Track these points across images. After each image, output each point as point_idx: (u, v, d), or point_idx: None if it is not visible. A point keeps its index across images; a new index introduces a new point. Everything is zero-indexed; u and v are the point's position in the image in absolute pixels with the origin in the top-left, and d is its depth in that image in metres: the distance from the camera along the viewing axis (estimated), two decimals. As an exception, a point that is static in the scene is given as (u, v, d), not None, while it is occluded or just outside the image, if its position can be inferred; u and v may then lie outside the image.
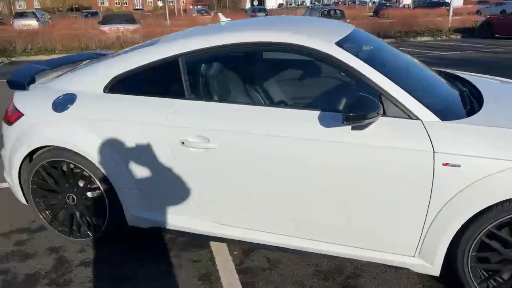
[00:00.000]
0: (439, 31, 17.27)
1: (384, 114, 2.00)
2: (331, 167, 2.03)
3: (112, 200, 2.51)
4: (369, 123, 1.94)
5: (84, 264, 2.53)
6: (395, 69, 2.27)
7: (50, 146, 2.52)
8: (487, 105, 2.15)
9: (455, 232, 1.96)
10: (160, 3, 59.27)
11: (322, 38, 2.18)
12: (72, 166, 2.52)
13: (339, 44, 2.17)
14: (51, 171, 2.59)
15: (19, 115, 2.60)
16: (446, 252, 2.02)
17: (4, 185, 3.52)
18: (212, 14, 37.17)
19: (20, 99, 2.64)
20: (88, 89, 2.50)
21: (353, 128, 1.99)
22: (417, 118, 1.97)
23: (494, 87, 2.74)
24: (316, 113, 2.08)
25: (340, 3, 68.11)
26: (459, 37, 17.14)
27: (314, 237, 2.23)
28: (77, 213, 2.65)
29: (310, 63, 2.29)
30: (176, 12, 39.58)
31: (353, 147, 1.99)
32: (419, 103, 2.00)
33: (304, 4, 67.46)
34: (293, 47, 2.16)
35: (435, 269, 2.08)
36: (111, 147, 2.39)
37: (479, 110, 2.10)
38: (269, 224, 2.28)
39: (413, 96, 2.01)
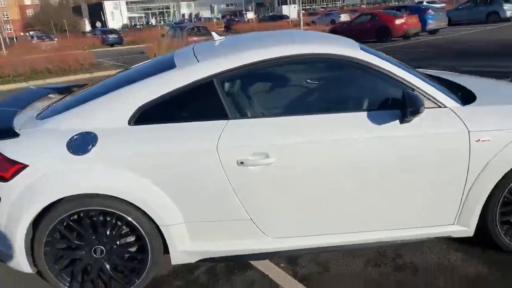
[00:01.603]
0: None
1: (421, 107, 2.29)
2: (390, 160, 2.25)
3: (155, 242, 2.28)
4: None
5: (133, 320, 2.24)
6: (405, 68, 2.60)
7: (72, 195, 2.16)
8: (479, 95, 2.59)
9: (486, 196, 2.36)
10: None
11: (352, 47, 2.40)
12: (103, 213, 2.21)
13: (364, 50, 2.41)
14: (73, 224, 2.23)
15: (20, 166, 2.16)
16: (480, 214, 2.41)
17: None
18: (56, 40, 34.15)
19: (16, 148, 2.20)
20: (108, 124, 2.24)
21: (401, 122, 2.24)
22: (445, 106, 2.32)
23: (486, 86, 3.10)
24: (363, 114, 2.27)
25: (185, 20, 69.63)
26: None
27: (373, 228, 2.40)
28: (108, 266, 2.33)
29: (340, 69, 2.46)
30: (1, 40, 34.70)
31: (405, 139, 2.24)
32: (442, 93, 2.36)
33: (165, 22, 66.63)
34: (332, 57, 2.32)
35: (470, 231, 2.46)
36: (154, 183, 2.19)
37: (474, 99, 2.53)
38: (331, 227, 2.38)
39: (435, 88, 2.37)
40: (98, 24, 62.55)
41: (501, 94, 2.81)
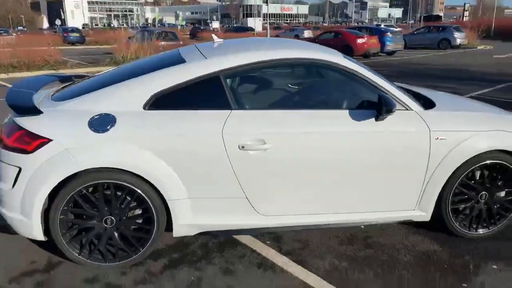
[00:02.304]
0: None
1: (391, 108, 2.74)
2: (365, 151, 2.67)
3: (161, 215, 2.57)
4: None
5: (137, 282, 2.50)
6: (380, 76, 3.06)
7: (91, 168, 2.41)
8: (437, 103, 3.09)
9: (442, 186, 2.85)
10: None
11: (338, 56, 2.83)
12: (117, 186, 2.47)
13: (347, 59, 2.85)
14: (89, 195, 2.47)
15: (43, 141, 2.39)
16: (436, 202, 2.89)
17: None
18: (14, 35, 32.84)
19: (40, 124, 2.42)
20: (125, 108, 2.51)
21: (376, 120, 2.68)
22: (412, 109, 2.79)
23: (441, 97, 3.51)
24: (345, 111, 2.69)
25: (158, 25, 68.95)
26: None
27: (349, 210, 2.81)
28: (116, 236, 2.58)
29: (328, 73, 2.88)
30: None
31: (377, 134, 2.68)
32: (409, 99, 2.84)
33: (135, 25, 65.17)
34: (324, 62, 2.74)
35: (428, 216, 2.93)
36: (165, 161, 2.48)
37: (434, 106, 3.02)
38: (312, 208, 2.76)
39: (404, 94, 2.84)
40: (58, 22, 60.65)
41: (454, 104, 3.35)
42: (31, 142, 2.40)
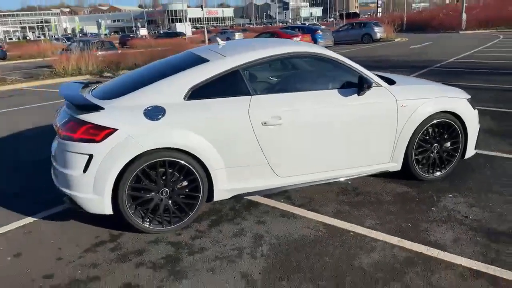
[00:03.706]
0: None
1: (367, 86, 3.63)
2: (351, 119, 3.52)
3: (205, 183, 3.21)
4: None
5: (193, 238, 3.13)
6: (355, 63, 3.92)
7: (150, 150, 3.00)
8: (397, 81, 4.04)
9: (407, 142, 3.78)
10: None
11: (325, 49, 3.65)
12: (170, 163, 3.08)
13: (331, 52, 3.69)
14: (149, 172, 3.05)
15: (110, 131, 2.94)
16: (404, 155, 3.82)
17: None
18: None
19: (105, 117, 2.96)
20: (170, 100, 3.13)
21: (358, 95, 3.54)
22: (381, 86, 3.70)
23: (397, 77, 4.61)
24: (335, 90, 3.53)
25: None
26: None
27: (344, 167, 3.65)
28: (170, 204, 3.18)
29: (321, 63, 3.67)
30: None
31: (360, 105, 3.54)
32: (379, 78, 3.74)
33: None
34: (318, 55, 3.57)
35: (399, 166, 3.86)
36: (206, 139, 3.14)
37: (394, 83, 3.96)
38: (316, 167, 3.56)
39: (374, 75, 3.74)
40: (-33, 37, 56.08)
41: (407, 81, 4.34)
42: (98, 133, 2.94)
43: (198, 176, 3.18)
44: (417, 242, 2.97)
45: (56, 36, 59.01)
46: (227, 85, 3.31)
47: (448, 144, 4.02)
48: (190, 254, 2.93)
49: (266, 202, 3.71)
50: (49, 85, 13.58)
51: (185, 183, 3.21)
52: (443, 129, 3.94)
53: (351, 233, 3.13)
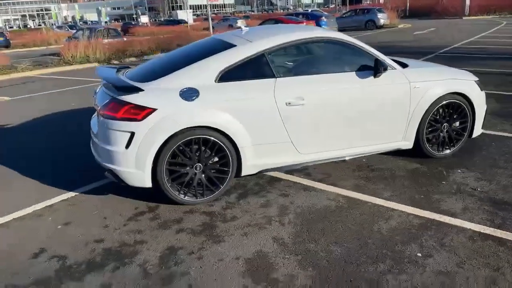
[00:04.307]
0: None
1: (382, 69, 3.89)
2: (369, 98, 3.79)
3: (234, 159, 3.50)
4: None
5: (224, 208, 3.43)
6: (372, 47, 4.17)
7: (186, 127, 3.27)
8: (410, 64, 4.30)
9: (419, 121, 4.05)
10: None
11: (342, 34, 3.91)
12: (203, 140, 3.35)
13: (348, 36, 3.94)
14: (184, 149, 3.34)
15: (150, 111, 3.21)
16: (415, 134, 4.10)
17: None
18: None
19: (145, 98, 3.24)
20: (202, 82, 3.39)
21: (375, 77, 3.80)
22: (395, 69, 3.96)
23: (409, 61, 4.86)
24: (353, 73, 3.79)
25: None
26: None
27: (360, 144, 3.93)
28: (203, 177, 3.47)
29: (340, 47, 3.92)
30: None
31: (376, 87, 3.81)
32: (393, 62, 4.00)
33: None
34: (336, 39, 3.83)
35: (411, 145, 4.14)
36: (236, 118, 3.41)
37: (407, 67, 4.22)
38: (335, 144, 3.84)
39: (389, 59, 4.00)
40: (-33, 26, 55.97)
41: (419, 64, 4.60)
42: (140, 113, 3.21)
43: (228, 152, 3.46)
44: (430, 210, 3.26)
45: (58, 24, 58.78)
46: (253, 68, 3.57)
47: (457, 123, 4.28)
48: (224, 222, 3.23)
49: (288, 178, 4.00)
50: (59, 72, 13.82)
51: (216, 159, 3.50)
52: (452, 110, 4.20)
53: (369, 204, 3.43)
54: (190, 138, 3.32)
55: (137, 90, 3.28)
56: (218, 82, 3.44)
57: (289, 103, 3.54)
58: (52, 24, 68.14)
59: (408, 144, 4.14)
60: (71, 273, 2.67)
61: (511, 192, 3.51)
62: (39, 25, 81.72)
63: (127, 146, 3.24)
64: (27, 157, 4.97)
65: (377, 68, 3.75)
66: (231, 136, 3.42)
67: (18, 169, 4.56)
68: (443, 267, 2.57)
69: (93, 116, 4.01)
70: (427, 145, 4.20)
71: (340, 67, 3.85)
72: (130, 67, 4.33)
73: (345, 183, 3.84)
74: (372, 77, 3.81)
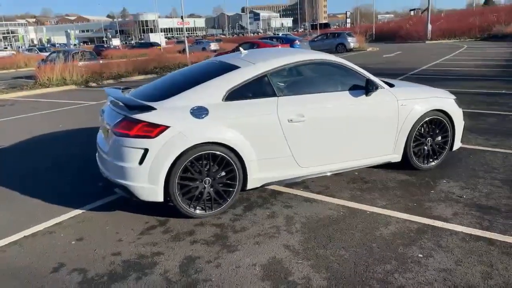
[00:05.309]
0: (185, 65, 20.68)
1: (372, 88, 4.22)
2: (361, 116, 4.11)
3: (240, 173, 3.69)
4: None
5: (233, 220, 3.60)
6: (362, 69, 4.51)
7: (197, 144, 3.46)
8: (395, 84, 4.67)
9: (406, 136, 4.40)
10: None
11: (335, 57, 4.24)
12: (212, 155, 3.54)
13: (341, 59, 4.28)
14: (195, 164, 3.51)
15: (163, 128, 3.38)
16: (404, 147, 4.43)
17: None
18: None
19: (157, 117, 3.41)
20: (211, 101, 3.61)
21: (366, 95, 4.13)
22: (383, 88, 4.31)
23: (393, 81, 5.26)
24: (347, 92, 4.11)
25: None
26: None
27: (354, 158, 4.21)
28: (212, 191, 3.64)
29: (334, 69, 4.24)
30: None
31: (368, 104, 4.13)
32: (381, 82, 4.36)
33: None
34: (331, 62, 4.15)
35: (399, 158, 4.47)
36: (242, 134, 3.62)
37: (393, 86, 4.58)
38: (332, 158, 4.11)
39: (377, 79, 4.35)
40: None
41: (404, 84, 4.98)
42: (153, 130, 3.38)
43: (235, 166, 3.65)
44: (424, 216, 3.55)
45: (26, 47, 57.62)
46: (257, 88, 3.82)
47: (439, 138, 4.66)
48: (235, 232, 3.40)
49: (288, 191, 4.22)
50: (37, 95, 13.67)
51: (223, 173, 3.68)
52: (435, 125, 4.58)
53: (368, 212, 3.68)
54: (200, 153, 3.50)
55: (150, 109, 3.45)
56: (226, 101, 3.66)
57: (291, 120, 3.79)
58: (18, 47, 66.72)
59: (397, 157, 4.46)
60: (95, 285, 2.76)
61: (493, 198, 3.86)
62: (5, 47, 79.82)
63: (141, 162, 3.39)
64: (26, 177, 4.97)
65: (368, 88, 4.08)
66: (238, 151, 3.62)
67: (17, 189, 4.57)
68: (443, 265, 2.84)
69: (99, 133, 4.13)
70: (414, 158, 4.54)
71: (335, 87, 4.17)
72: (130, 88, 4.49)
73: (343, 194, 4.09)
74: (364, 95, 4.13)
